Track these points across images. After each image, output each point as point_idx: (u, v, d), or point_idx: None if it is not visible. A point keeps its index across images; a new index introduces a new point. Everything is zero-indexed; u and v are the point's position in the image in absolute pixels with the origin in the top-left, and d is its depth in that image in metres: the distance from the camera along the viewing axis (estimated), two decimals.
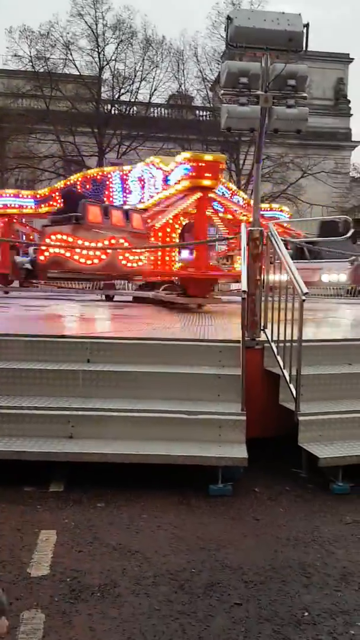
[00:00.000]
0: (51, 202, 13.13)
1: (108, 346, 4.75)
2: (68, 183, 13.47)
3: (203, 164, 9.13)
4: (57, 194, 13.02)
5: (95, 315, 8.43)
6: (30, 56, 28.40)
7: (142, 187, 11.94)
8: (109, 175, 12.73)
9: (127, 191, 12.33)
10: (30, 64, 28.54)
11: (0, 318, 7.61)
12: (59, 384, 4.53)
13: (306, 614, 2.72)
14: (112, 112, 30.04)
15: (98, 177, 12.91)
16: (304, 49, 4.94)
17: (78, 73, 29.14)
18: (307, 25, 4.91)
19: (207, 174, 9.16)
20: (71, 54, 28.84)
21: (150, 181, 11.48)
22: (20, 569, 3.03)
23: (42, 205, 13.26)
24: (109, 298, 11.39)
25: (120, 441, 4.18)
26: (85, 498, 3.93)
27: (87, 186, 12.82)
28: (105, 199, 12.46)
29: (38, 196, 13.55)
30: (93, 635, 2.53)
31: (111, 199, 12.47)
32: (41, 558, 3.16)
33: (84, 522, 3.59)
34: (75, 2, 28.57)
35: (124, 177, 12.38)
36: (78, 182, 13.02)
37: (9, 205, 13.35)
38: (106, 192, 12.55)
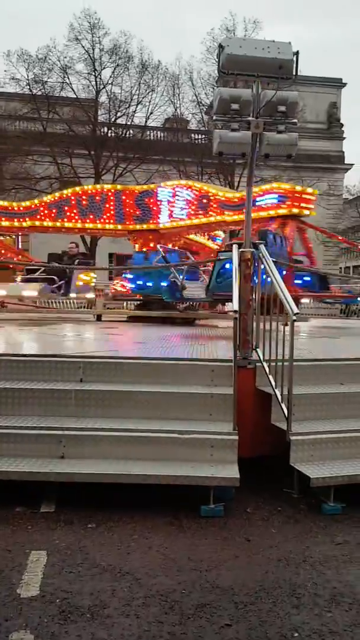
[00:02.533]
0: (38, 216, 12.80)
1: (101, 365, 4.78)
2: (57, 197, 13.23)
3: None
4: (45, 207, 12.79)
5: (89, 334, 8.45)
6: (28, 79, 28.80)
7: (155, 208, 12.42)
8: (110, 193, 12.79)
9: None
10: (28, 87, 28.93)
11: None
12: (51, 403, 4.54)
13: (296, 634, 2.71)
14: (109, 134, 30.42)
15: (95, 193, 13.01)
16: (294, 75, 5.07)
17: (75, 96, 29.54)
18: (296, 53, 5.04)
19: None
20: (68, 78, 29.26)
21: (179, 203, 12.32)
22: (9, 590, 3.01)
23: (27, 219, 12.91)
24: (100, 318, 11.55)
25: (112, 461, 4.18)
26: (76, 518, 3.91)
27: (83, 202, 12.89)
28: (105, 215, 12.66)
29: (21, 208, 13.06)
30: None
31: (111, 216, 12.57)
32: (31, 579, 3.14)
33: (74, 543, 3.58)
34: (72, 27, 29.08)
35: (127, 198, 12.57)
36: (72, 197, 12.96)
37: None
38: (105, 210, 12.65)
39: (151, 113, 30.95)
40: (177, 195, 12.43)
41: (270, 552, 3.54)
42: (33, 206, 13.06)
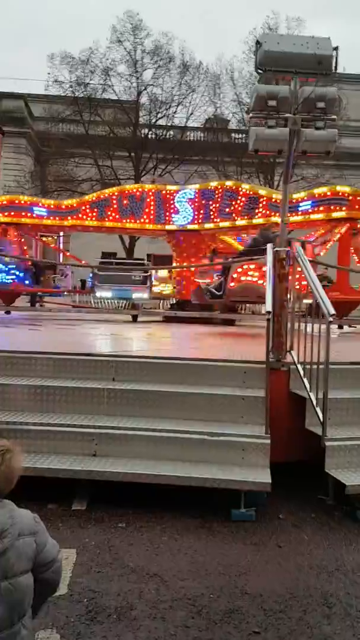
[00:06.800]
0: (80, 215, 12.90)
1: (133, 365, 4.77)
2: (102, 197, 13.25)
3: None
4: (87, 207, 12.91)
5: (124, 334, 8.49)
6: (71, 82, 29.19)
7: (196, 209, 12.44)
8: (150, 193, 12.85)
9: (172, 210, 12.56)
10: (71, 89, 29.34)
11: (33, 336, 7.75)
12: (84, 402, 4.56)
13: None
14: (149, 136, 30.55)
15: (137, 193, 13.04)
16: (334, 71, 4.94)
17: (116, 98, 29.80)
18: (336, 49, 4.92)
19: None
20: (110, 80, 29.49)
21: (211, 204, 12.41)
22: None
23: (69, 218, 13.00)
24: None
25: (143, 460, 4.17)
26: (106, 517, 3.92)
27: (124, 201, 12.88)
28: (145, 215, 12.76)
29: (63, 207, 13.18)
30: None
31: (151, 216, 12.77)
32: None
33: (104, 542, 3.58)
34: (114, 29, 29.33)
35: (167, 197, 12.60)
36: (114, 196, 13.00)
37: (24, 214, 12.82)
38: (146, 210, 12.78)
39: (191, 114, 30.89)
40: (222, 196, 12.39)
41: (302, 560, 3.45)
42: (76, 205, 13.15)
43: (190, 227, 12.55)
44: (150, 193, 12.85)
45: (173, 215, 12.62)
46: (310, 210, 11.15)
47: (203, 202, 12.51)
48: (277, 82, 5.55)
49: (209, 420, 4.40)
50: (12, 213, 12.61)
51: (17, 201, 13.09)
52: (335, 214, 10.76)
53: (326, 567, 3.36)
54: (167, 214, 12.66)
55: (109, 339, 7.71)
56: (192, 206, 12.52)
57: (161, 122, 30.81)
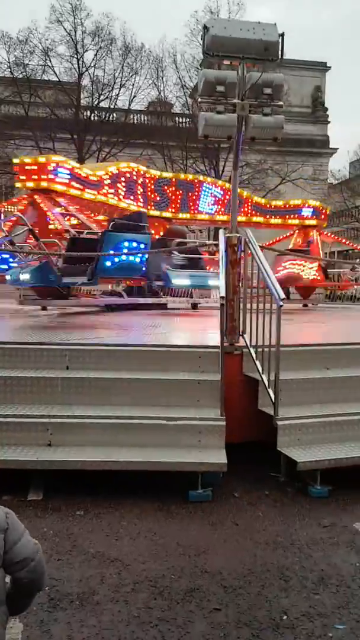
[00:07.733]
0: (104, 190, 10.64)
1: (87, 353, 4.73)
2: (116, 171, 11.12)
3: None
4: (109, 181, 10.73)
5: (77, 322, 8.39)
6: (9, 62, 28.27)
7: (172, 197, 12.56)
8: (140, 174, 11.98)
9: (153, 196, 12.38)
10: (9, 70, 28.41)
11: None
12: (37, 391, 4.49)
13: (285, 617, 2.73)
14: (92, 118, 30.02)
15: (131, 172, 11.74)
16: (280, 57, 5.00)
17: (57, 79, 29.08)
18: (282, 35, 4.97)
19: None
20: (50, 60, 28.76)
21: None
22: None
23: (97, 193, 10.47)
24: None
25: (99, 448, 4.16)
26: (64, 506, 3.90)
27: (124, 180, 11.37)
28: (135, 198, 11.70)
29: (91, 178, 10.35)
30: None
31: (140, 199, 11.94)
32: None
33: (63, 531, 3.57)
34: (53, 8, 28.53)
35: (148, 181, 12.27)
36: (118, 173, 11.17)
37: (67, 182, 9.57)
38: (138, 192, 11.67)
39: (134, 96, 30.61)
40: (202, 190, 12.74)
41: (258, 536, 3.56)
42: (105, 176, 10.53)
43: (165, 214, 12.45)
44: (140, 174, 11.85)
45: (153, 200, 12.36)
46: (287, 216, 14.55)
47: (180, 191, 12.50)
48: (220, 66, 5.58)
49: (165, 406, 4.43)
50: (39, 176, 9.29)
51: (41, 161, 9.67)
52: (308, 222, 14.53)
53: (281, 542, 3.49)
54: (150, 198, 12.31)
55: (62, 327, 7.59)
56: (168, 193, 12.47)
57: (104, 104, 30.36)
